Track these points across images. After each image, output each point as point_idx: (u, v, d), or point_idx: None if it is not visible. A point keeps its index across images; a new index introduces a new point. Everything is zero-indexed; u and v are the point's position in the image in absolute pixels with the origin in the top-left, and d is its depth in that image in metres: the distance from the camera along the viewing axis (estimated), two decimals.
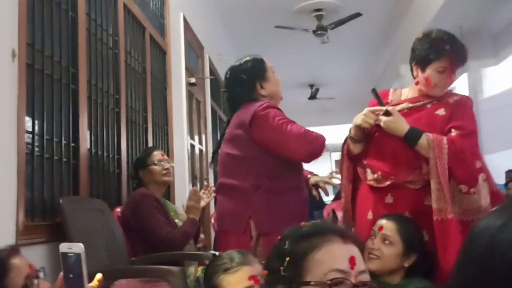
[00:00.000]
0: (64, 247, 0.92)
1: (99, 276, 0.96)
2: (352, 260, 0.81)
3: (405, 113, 1.87)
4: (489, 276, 0.62)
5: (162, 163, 2.55)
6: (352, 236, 0.85)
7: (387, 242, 1.71)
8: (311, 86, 9.53)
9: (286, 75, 8.34)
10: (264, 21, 6.09)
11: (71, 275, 0.90)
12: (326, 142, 1.99)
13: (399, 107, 1.88)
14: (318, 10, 5.96)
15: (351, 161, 2.00)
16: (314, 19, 6.05)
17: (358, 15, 5.70)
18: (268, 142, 1.95)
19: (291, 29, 5.98)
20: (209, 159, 5.08)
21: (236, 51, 6.99)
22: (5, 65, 1.70)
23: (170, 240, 2.32)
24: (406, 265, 1.71)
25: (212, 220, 3.26)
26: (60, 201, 1.93)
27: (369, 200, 1.89)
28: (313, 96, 9.59)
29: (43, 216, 1.92)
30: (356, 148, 1.94)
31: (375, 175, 1.87)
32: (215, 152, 2.31)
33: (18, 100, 1.75)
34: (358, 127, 1.87)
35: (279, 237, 0.93)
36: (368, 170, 1.91)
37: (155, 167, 2.53)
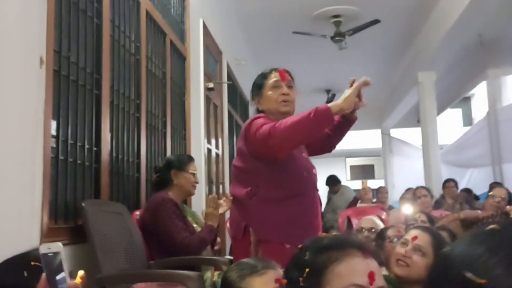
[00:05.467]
0: (43, 248, 0.94)
1: (81, 273, 0.97)
2: (371, 276, 0.82)
3: None
4: None
5: (194, 176, 2.63)
6: (372, 251, 0.87)
7: (420, 252, 1.76)
8: (328, 91, 9.52)
9: (303, 80, 8.34)
10: (282, 27, 6.12)
11: (53, 274, 0.92)
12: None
13: None
14: (337, 16, 5.97)
15: None
16: (332, 25, 6.06)
17: (376, 22, 5.69)
18: (258, 153, 1.95)
19: (309, 35, 5.99)
20: (226, 163, 5.12)
21: (254, 57, 7.03)
22: (33, 72, 1.76)
23: (187, 246, 2.35)
24: None
25: (227, 225, 3.33)
26: (83, 204, 1.97)
27: None
28: (329, 102, 9.57)
29: (65, 218, 1.97)
30: None
31: None
32: None
33: (45, 106, 1.80)
34: None
35: (299, 246, 0.93)
36: None
37: (190, 176, 2.60)
